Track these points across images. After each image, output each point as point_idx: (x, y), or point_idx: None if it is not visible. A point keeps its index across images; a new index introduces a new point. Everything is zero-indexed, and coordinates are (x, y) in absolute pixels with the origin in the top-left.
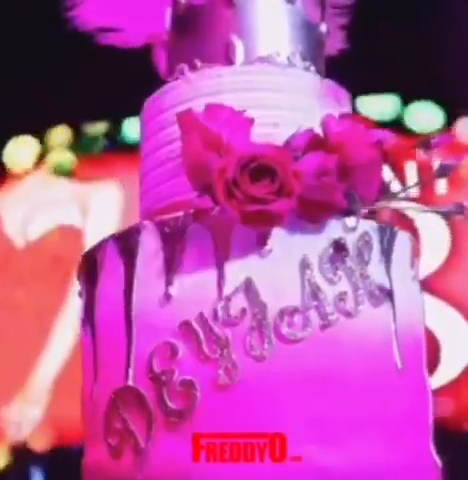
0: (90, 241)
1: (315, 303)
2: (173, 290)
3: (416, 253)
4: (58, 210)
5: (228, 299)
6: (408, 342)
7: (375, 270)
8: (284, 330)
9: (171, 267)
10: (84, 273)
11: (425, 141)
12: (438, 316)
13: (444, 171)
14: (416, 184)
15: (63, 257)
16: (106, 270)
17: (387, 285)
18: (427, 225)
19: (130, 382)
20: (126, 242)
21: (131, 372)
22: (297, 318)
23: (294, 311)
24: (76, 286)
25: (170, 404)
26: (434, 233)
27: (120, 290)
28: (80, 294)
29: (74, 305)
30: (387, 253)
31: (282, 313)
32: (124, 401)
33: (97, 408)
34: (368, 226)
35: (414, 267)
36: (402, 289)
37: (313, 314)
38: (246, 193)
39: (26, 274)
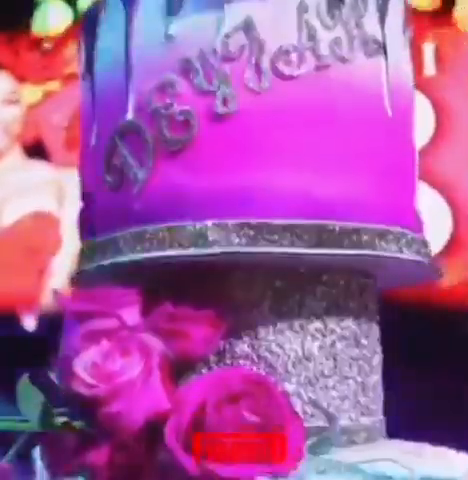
0: (67, 230)
1: (311, 44)
2: (174, 30)
3: (409, 22)
4: (33, 196)
5: (227, 36)
6: (399, 96)
7: (370, 24)
8: (281, 67)
9: (171, 9)
10: (84, 29)
11: None
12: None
13: None
14: None
15: (38, 247)
16: (107, 20)
17: (381, 39)
18: None
19: (130, 117)
20: None
21: (130, 109)
22: (294, 56)
23: (291, 49)
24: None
25: (169, 135)
26: (418, 114)
27: (121, 37)
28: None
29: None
30: (381, 11)
31: (279, 50)
32: (123, 137)
33: (96, 153)
34: None
35: (406, 34)
36: (394, 48)
37: (309, 54)
38: None
39: None
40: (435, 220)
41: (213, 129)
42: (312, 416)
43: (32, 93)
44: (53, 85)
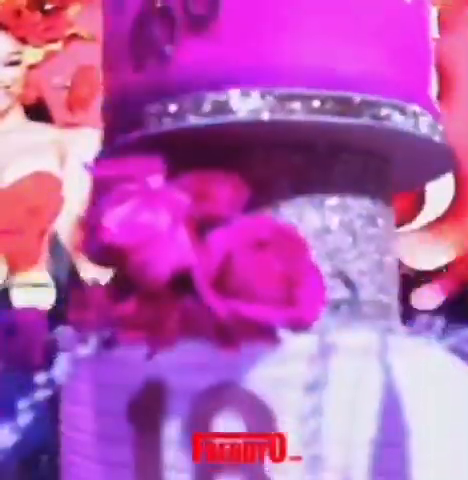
0: (68, 190)
1: None
2: None
3: None
4: (35, 157)
5: None
6: None
7: None
8: None
9: None
10: None
11: None
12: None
13: None
14: None
15: (39, 208)
16: None
17: None
18: None
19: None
20: None
21: None
22: None
23: None
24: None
25: (195, 11)
26: None
27: None
28: None
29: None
30: None
31: None
32: (150, 17)
33: (122, 35)
34: None
35: None
36: None
37: None
38: None
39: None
40: (437, 185)
41: (238, 2)
42: (332, 289)
43: (34, 54)
44: (55, 46)
